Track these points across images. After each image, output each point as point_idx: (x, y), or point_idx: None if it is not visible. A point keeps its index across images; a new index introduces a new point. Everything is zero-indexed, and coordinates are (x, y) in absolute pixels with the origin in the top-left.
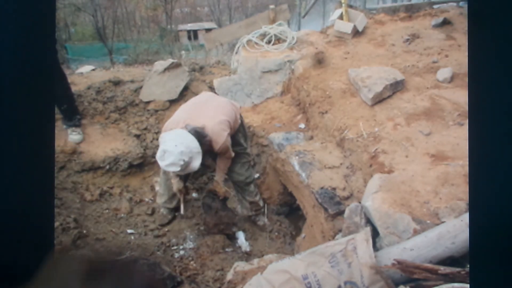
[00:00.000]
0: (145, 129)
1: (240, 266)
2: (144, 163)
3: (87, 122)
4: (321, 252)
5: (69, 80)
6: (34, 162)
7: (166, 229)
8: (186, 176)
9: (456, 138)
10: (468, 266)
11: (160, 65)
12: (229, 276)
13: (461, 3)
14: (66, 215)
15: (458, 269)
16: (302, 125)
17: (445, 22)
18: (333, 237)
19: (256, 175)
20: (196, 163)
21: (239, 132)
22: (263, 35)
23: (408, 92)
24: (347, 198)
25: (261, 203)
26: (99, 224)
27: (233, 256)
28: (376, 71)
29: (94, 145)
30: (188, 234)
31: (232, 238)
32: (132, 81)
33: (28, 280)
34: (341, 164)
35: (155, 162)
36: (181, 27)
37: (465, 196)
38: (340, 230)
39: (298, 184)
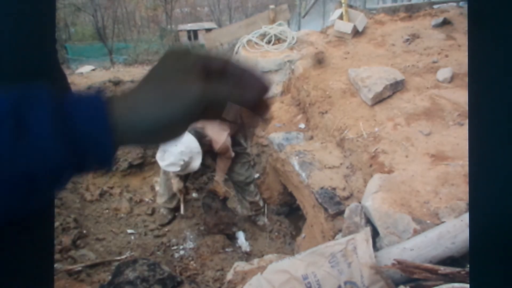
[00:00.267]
0: None
1: (240, 266)
2: (144, 163)
3: None
4: (321, 252)
5: (69, 80)
6: None
7: (166, 229)
8: (186, 176)
9: (456, 138)
10: (468, 266)
11: None
12: (229, 276)
13: (461, 3)
14: (66, 215)
15: (458, 269)
16: (302, 125)
17: (445, 22)
18: (333, 237)
19: (256, 175)
20: (196, 163)
21: (239, 132)
22: (263, 35)
23: (408, 92)
24: (347, 198)
25: (261, 203)
26: (99, 224)
27: (233, 256)
28: (376, 71)
29: None
30: (188, 234)
31: (232, 238)
32: (132, 81)
33: (29, 280)
34: (341, 164)
35: (155, 162)
36: (181, 27)
37: (465, 196)
38: (340, 230)
39: (298, 184)
